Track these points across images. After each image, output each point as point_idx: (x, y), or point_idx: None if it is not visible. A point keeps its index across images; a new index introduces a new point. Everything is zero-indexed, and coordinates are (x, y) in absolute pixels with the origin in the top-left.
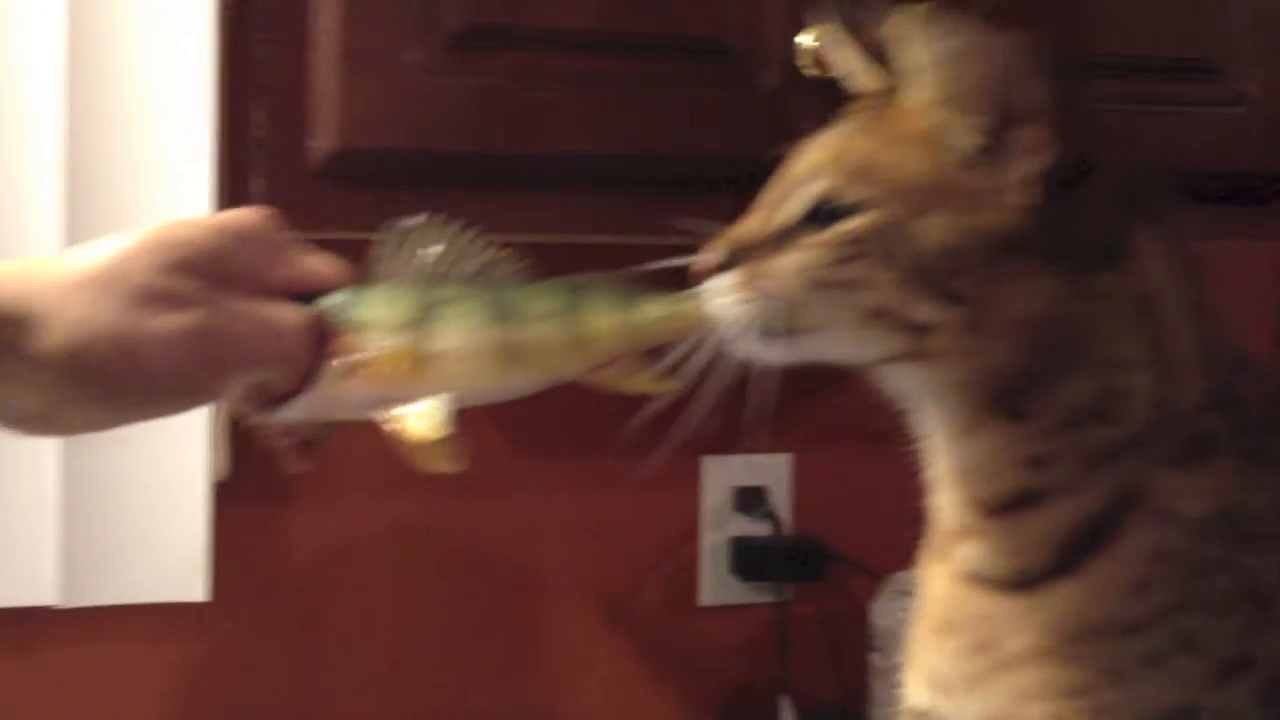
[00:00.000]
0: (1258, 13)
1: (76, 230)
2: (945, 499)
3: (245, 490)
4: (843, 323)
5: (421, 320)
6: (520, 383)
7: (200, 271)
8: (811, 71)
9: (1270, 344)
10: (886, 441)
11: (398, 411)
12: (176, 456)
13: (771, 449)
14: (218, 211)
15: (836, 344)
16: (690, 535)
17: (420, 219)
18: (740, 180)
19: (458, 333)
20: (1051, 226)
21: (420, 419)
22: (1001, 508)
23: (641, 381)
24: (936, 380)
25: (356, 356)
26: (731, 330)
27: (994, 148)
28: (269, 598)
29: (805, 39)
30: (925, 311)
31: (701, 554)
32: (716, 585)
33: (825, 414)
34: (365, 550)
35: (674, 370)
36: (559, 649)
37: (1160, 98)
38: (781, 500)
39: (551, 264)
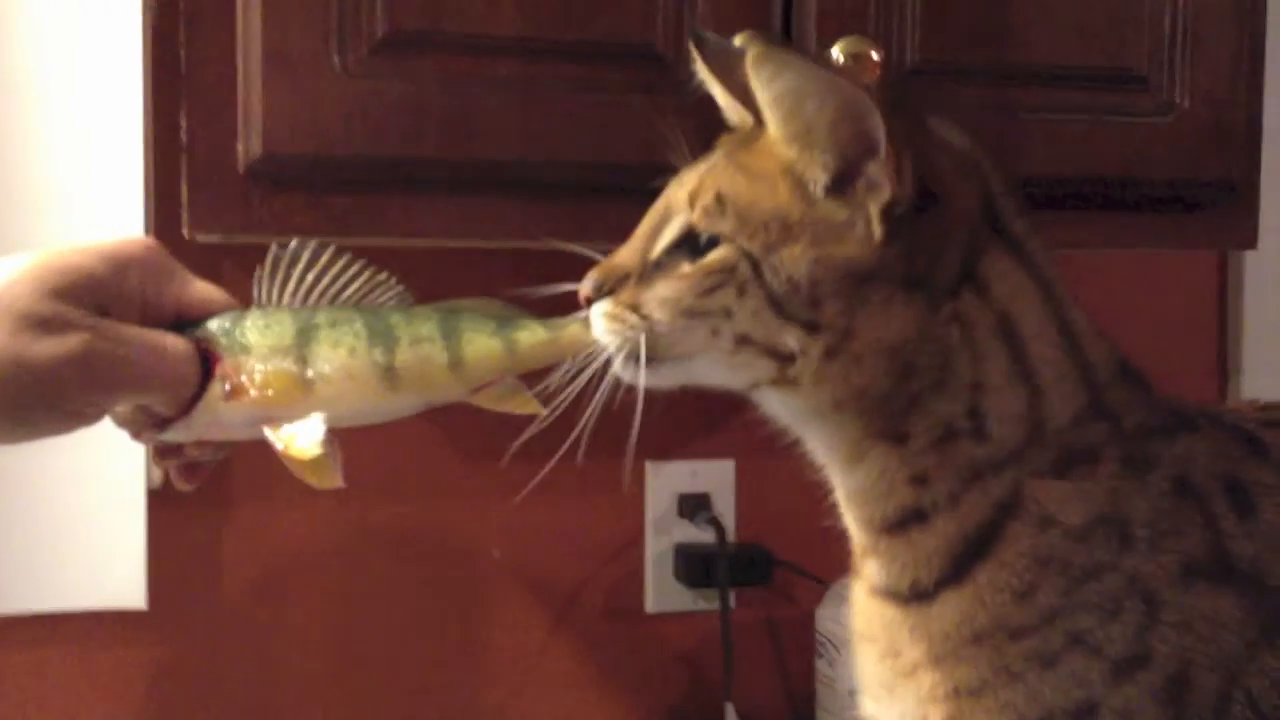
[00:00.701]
0: (1186, 22)
1: (6, 236)
2: (847, 520)
3: (182, 498)
4: (712, 349)
5: (301, 344)
6: (399, 404)
7: (85, 298)
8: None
9: (1211, 351)
10: None
11: (281, 431)
12: (113, 464)
13: (715, 456)
14: (149, 216)
15: (708, 369)
16: (635, 542)
17: (300, 244)
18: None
19: (337, 356)
20: (905, 256)
21: (301, 437)
22: (893, 525)
23: (518, 403)
24: (807, 404)
25: (237, 380)
26: (607, 355)
27: (842, 182)
28: (208, 605)
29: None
30: (788, 339)
31: (647, 561)
32: (662, 592)
33: (768, 421)
34: (305, 557)
35: (554, 392)
36: (505, 655)
37: (1090, 107)
38: (725, 507)
39: (479, 269)
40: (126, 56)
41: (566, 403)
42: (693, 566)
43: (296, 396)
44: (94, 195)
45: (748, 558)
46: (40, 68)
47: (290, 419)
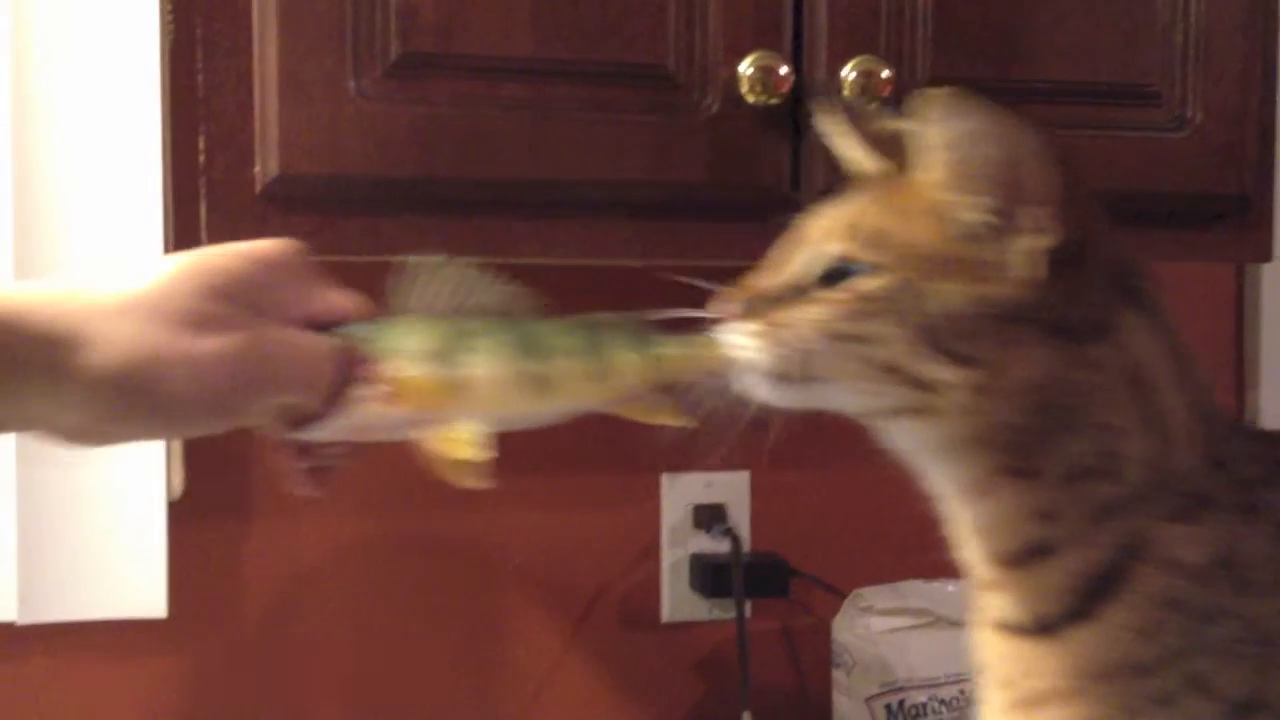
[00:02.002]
0: (1197, 37)
1: (29, 258)
2: (968, 553)
3: (203, 507)
4: (854, 375)
5: (452, 350)
6: (544, 412)
7: (237, 298)
8: (751, 98)
9: (1228, 365)
10: (844, 459)
11: (437, 433)
12: (134, 474)
13: (730, 467)
14: (171, 238)
15: (847, 394)
16: (652, 552)
17: (435, 257)
18: (680, 205)
19: (487, 363)
20: (1050, 301)
21: (459, 440)
22: (1018, 560)
23: (660, 415)
24: (941, 436)
25: (388, 382)
26: (748, 374)
27: (1000, 224)
28: (227, 614)
29: (745, 66)
30: (932, 370)
31: (663, 571)
32: (678, 602)
33: (783, 432)
34: (323, 567)
35: (690, 406)
36: (523, 665)
37: (1103, 123)
38: (740, 518)
39: None
40: (145, 81)
41: (704, 417)
42: (709, 577)
43: (446, 401)
44: (114, 217)
45: (764, 568)
46: (60, 93)
47: (437, 423)
